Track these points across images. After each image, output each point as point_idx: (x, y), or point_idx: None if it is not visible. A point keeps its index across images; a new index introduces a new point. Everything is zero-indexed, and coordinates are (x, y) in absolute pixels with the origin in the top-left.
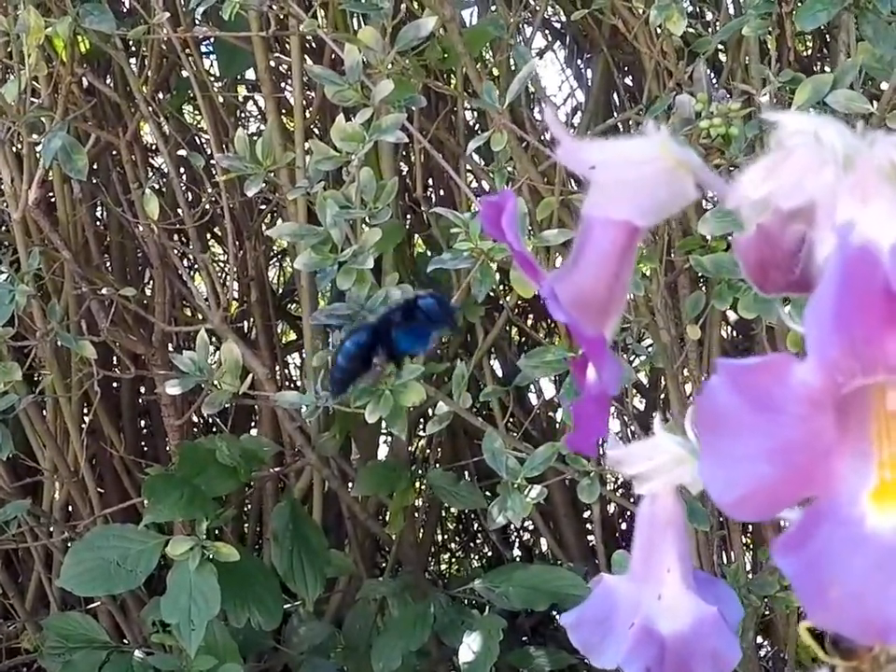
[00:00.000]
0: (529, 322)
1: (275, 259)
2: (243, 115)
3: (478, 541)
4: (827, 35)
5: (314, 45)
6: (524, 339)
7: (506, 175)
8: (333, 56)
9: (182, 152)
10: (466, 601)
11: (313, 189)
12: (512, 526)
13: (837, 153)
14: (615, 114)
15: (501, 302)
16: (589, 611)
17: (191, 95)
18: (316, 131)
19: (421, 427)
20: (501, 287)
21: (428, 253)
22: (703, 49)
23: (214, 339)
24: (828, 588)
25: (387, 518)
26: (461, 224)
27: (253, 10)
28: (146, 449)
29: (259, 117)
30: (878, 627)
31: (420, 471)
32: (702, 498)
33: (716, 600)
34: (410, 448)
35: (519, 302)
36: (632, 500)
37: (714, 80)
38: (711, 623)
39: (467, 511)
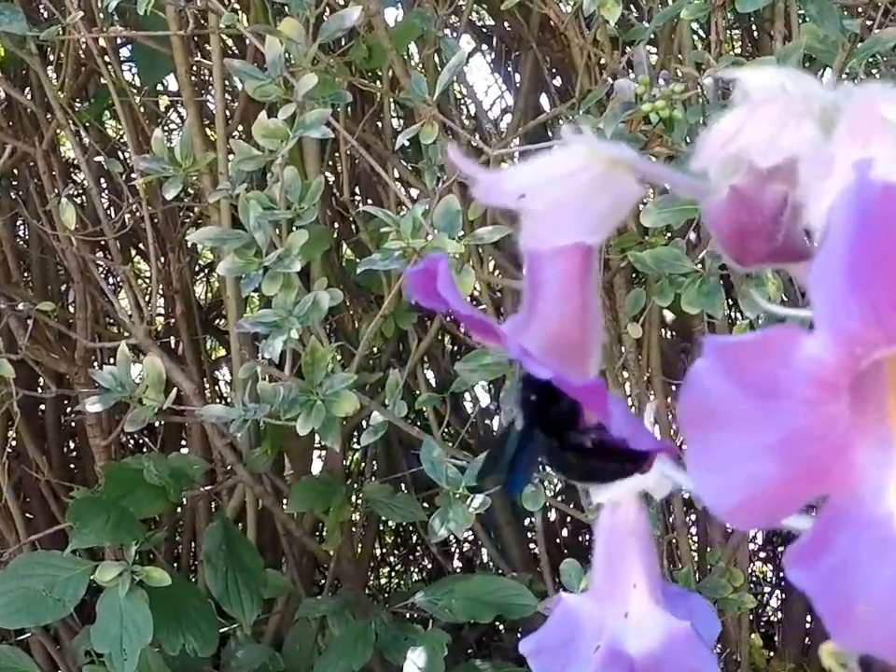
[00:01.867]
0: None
1: (202, 272)
2: (165, 125)
3: (417, 554)
4: (755, 32)
5: (235, 50)
6: (456, 346)
7: (436, 174)
8: (256, 61)
9: (100, 159)
10: (408, 616)
11: (235, 190)
12: (453, 537)
13: (813, 104)
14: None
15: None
16: (549, 636)
17: (111, 103)
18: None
19: (355, 438)
20: None
21: (357, 260)
22: (639, 38)
23: (141, 355)
24: (854, 603)
25: (324, 534)
26: (392, 223)
27: (170, 5)
28: (74, 471)
29: (182, 125)
30: None
31: (356, 485)
32: (648, 499)
33: (689, 615)
34: (344, 461)
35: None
36: (573, 506)
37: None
38: (684, 639)
39: (405, 523)
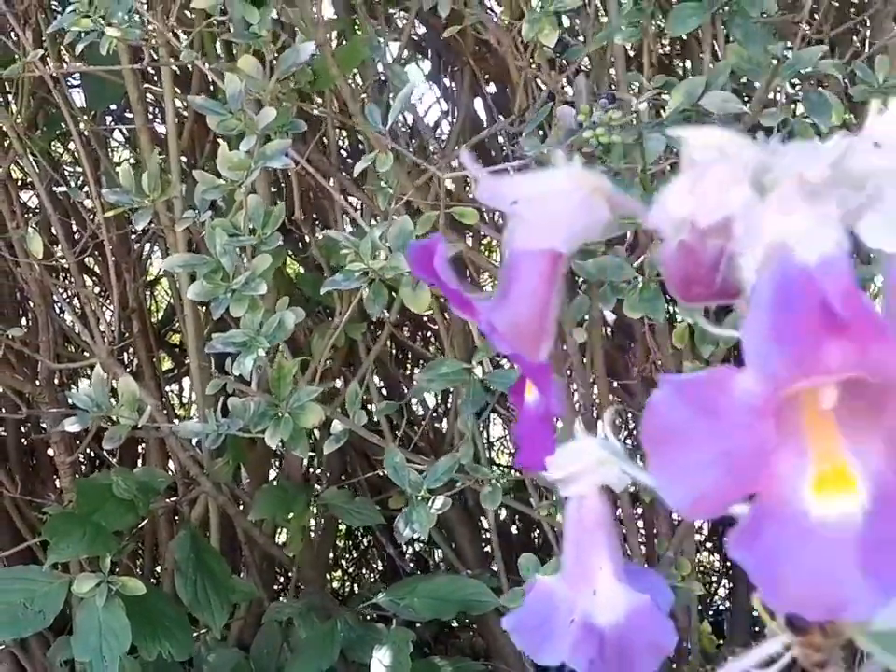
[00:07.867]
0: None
1: (147, 290)
2: (112, 148)
3: (368, 556)
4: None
5: (180, 73)
6: (399, 351)
7: (388, 194)
8: (201, 89)
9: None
10: (369, 617)
11: (200, 218)
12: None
13: (748, 166)
14: (484, 127)
15: (381, 317)
16: (529, 614)
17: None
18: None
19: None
20: None
21: (303, 272)
22: (576, 58)
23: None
24: (784, 577)
25: (284, 540)
26: (351, 245)
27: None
28: (31, 488)
29: (128, 148)
30: (832, 606)
31: (314, 490)
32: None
33: (647, 589)
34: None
35: (398, 317)
36: (523, 502)
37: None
38: (645, 611)
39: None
